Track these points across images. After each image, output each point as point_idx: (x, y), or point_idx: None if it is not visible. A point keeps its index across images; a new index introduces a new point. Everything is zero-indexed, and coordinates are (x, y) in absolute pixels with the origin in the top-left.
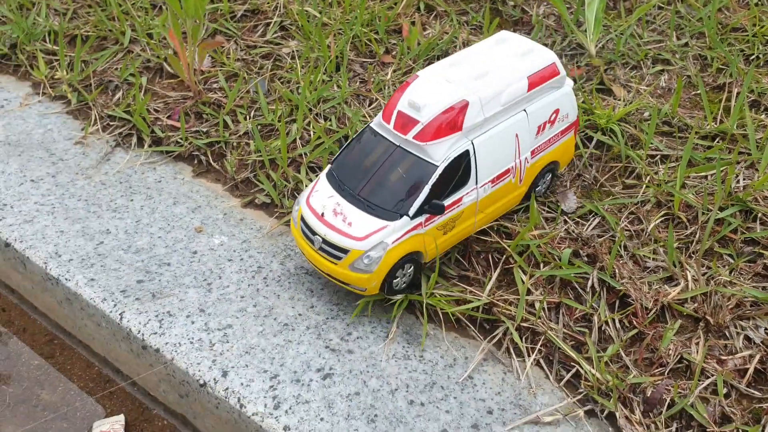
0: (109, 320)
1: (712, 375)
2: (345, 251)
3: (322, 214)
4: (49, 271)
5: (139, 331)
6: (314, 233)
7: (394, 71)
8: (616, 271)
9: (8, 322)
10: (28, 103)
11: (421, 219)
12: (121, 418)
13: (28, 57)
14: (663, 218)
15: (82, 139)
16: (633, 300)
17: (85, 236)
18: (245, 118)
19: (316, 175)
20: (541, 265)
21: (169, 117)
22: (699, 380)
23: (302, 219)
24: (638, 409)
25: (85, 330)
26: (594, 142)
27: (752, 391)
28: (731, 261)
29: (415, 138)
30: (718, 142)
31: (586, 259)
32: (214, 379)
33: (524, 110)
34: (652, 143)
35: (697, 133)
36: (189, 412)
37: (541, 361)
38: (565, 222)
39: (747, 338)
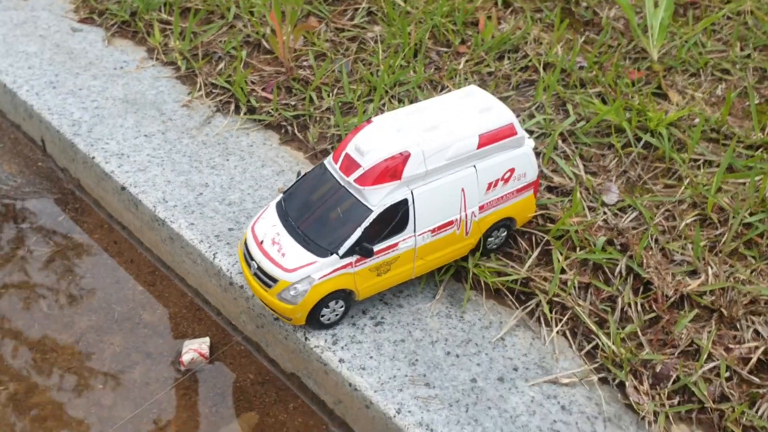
0: (204, 258)
1: (717, 360)
2: (275, 280)
3: (262, 242)
4: (158, 213)
5: (228, 270)
6: (252, 258)
7: (467, 61)
8: (644, 260)
9: (119, 253)
10: (143, 67)
11: (351, 259)
12: (207, 339)
13: (146, 25)
14: (695, 218)
15: (188, 102)
16: (655, 287)
17: (188, 187)
18: (329, 95)
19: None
20: (577, 249)
21: (263, 89)
22: (704, 362)
23: (245, 243)
24: (646, 382)
25: (182, 265)
26: (642, 143)
27: (753, 377)
28: (753, 262)
29: (355, 181)
30: (761, 152)
31: (618, 247)
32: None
33: (474, 166)
34: (696, 148)
35: (741, 141)
36: (263, 341)
37: (567, 332)
38: (605, 213)
39: (756, 332)
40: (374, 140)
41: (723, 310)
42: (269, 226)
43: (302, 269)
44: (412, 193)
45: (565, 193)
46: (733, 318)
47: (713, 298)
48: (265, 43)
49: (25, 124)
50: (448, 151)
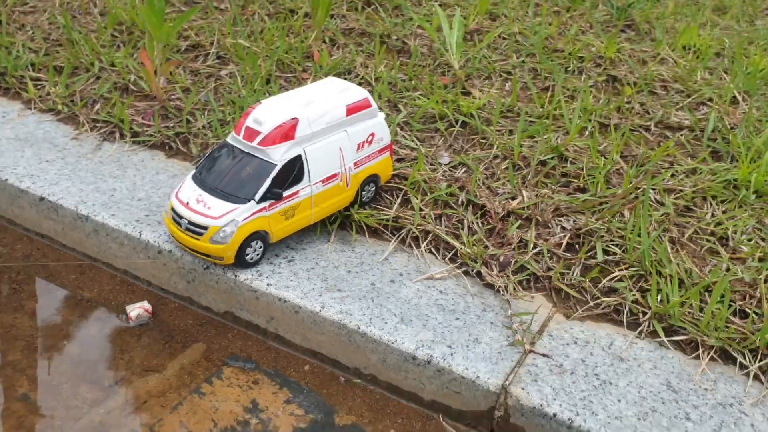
0: (130, 238)
1: (540, 247)
2: (205, 228)
3: (187, 203)
4: (80, 211)
5: (155, 241)
6: (181, 217)
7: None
8: (477, 194)
9: (44, 256)
10: (24, 115)
11: (265, 204)
12: (145, 302)
13: (17, 82)
14: (506, 165)
15: (77, 135)
16: (489, 209)
17: (99, 191)
18: (201, 116)
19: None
20: (427, 194)
21: (143, 118)
22: (531, 249)
23: (172, 208)
24: (495, 268)
25: (109, 252)
26: (459, 123)
27: (565, 254)
28: (551, 185)
29: (259, 144)
30: (542, 119)
31: (457, 189)
32: (214, 264)
33: (345, 131)
34: (498, 122)
35: (529, 115)
36: (194, 293)
37: (432, 249)
38: (443, 170)
39: (562, 227)
40: (268, 113)
41: (537, 217)
42: (191, 191)
43: (227, 215)
44: (304, 150)
45: (410, 161)
46: (545, 221)
47: (529, 212)
48: (132, 86)
49: None
50: (326, 117)
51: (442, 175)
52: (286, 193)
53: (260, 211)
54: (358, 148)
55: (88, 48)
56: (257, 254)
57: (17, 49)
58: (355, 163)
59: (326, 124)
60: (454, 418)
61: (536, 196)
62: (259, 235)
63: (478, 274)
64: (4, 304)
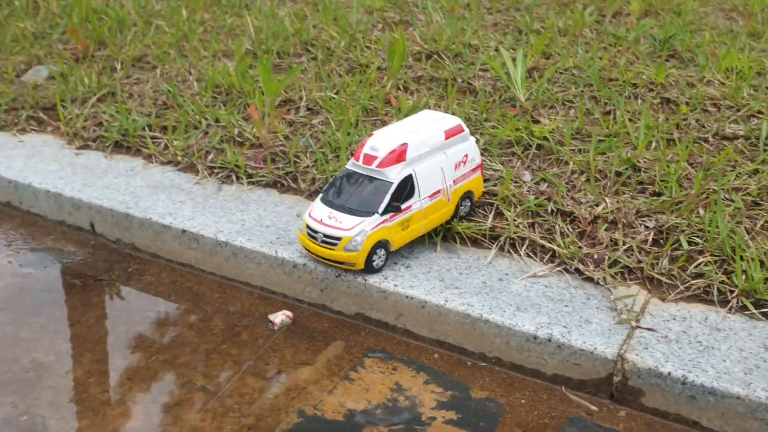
0: (267, 257)
1: (629, 244)
2: (339, 239)
3: (321, 220)
4: (219, 238)
5: (290, 257)
6: (316, 232)
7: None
8: (563, 203)
9: (187, 281)
10: (148, 168)
11: (387, 216)
12: (286, 310)
13: (137, 142)
14: (585, 178)
15: (198, 181)
16: (577, 215)
17: (230, 222)
18: (305, 157)
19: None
20: (518, 206)
21: (255, 162)
22: (621, 246)
23: (307, 226)
24: (591, 264)
25: (246, 272)
26: (535, 146)
27: (653, 248)
28: (630, 193)
29: (377, 167)
30: (611, 138)
31: (544, 200)
32: (346, 271)
33: (445, 153)
34: (570, 142)
35: (598, 135)
36: (327, 300)
37: (530, 253)
38: (527, 186)
39: (645, 226)
40: (382, 141)
41: (622, 220)
42: (322, 210)
43: (357, 226)
44: (414, 170)
45: (495, 180)
46: (629, 222)
47: (613, 216)
48: (237, 137)
49: (71, 217)
50: (429, 141)
51: (528, 190)
52: (403, 207)
53: (383, 222)
54: (455, 168)
55: (195, 108)
56: (382, 260)
57: (133, 114)
58: (453, 181)
59: (429, 147)
60: (575, 388)
61: (617, 201)
62: (382, 244)
63: (577, 270)
64: (165, 321)
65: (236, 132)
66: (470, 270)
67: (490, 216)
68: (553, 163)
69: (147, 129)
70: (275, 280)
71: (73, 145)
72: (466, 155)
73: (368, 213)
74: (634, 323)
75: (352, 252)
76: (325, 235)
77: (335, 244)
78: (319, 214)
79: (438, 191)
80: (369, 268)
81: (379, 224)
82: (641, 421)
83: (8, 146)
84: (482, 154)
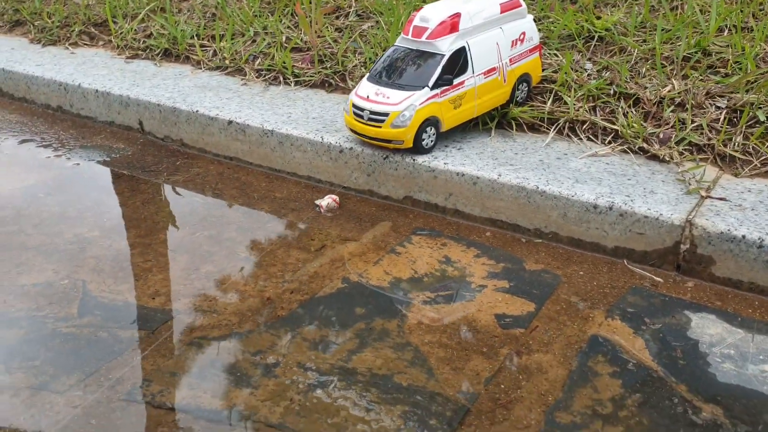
0: (313, 143)
1: (698, 122)
2: (386, 115)
3: (367, 97)
4: (265, 128)
5: (336, 142)
6: (363, 110)
7: None
8: (627, 86)
9: (235, 173)
10: (196, 72)
11: (437, 91)
12: (333, 195)
13: (186, 49)
14: (651, 62)
15: (245, 82)
16: (641, 97)
17: (276, 115)
18: (354, 57)
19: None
20: (577, 91)
21: (302, 63)
22: (690, 125)
23: (353, 105)
24: (656, 144)
25: (292, 161)
26: (596, 38)
27: (725, 127)
28: (698, 75)
29: (428, 38)
30: (680, 26)
31: (606, 85)
32: (394, 151)
33: (500, 28)
34: (635, 33)
35: (663, 27)
36: (374, 184)
37: (590, 136)
38: (588, 74)
39: (716, 106)
40: (433, 11)
41: (691, 101)
42: (368, 87)
43: (405, 100)
44: (467, 43)
45: (555, 69)
46: (699, 103)
47: (681, 97)
48: (284, 44)
49: (119, 116)
50: (483, 12)
51: (588, 77)
52: (454, 82)
53: (433, 97)
54: (512, 45)
55: (243, 18)
56: (432, 140)
57: (181, 24)
58: (510, 60)
59: (484, 20)
60: (638, 261)
61: (685, 84)
62: (432, 122)
63: (641, 149)
64: (211, 204)
65: (284, 38)
66: (526, 151)
67: (549, 101)
68: (616, 53)
69: (195, 38)
70: (321, 167)
71: (123, 55)
72: (524, 33)
73: (418, 87)
74: (704, 193)
75: (401, 128)
76: (372, 112)
77: (383, 121)
78: (366, 91)
79: (493, 69)
80: (418, 147)
81: (429, 98)
82: (711, 291)
83: (60, 57)
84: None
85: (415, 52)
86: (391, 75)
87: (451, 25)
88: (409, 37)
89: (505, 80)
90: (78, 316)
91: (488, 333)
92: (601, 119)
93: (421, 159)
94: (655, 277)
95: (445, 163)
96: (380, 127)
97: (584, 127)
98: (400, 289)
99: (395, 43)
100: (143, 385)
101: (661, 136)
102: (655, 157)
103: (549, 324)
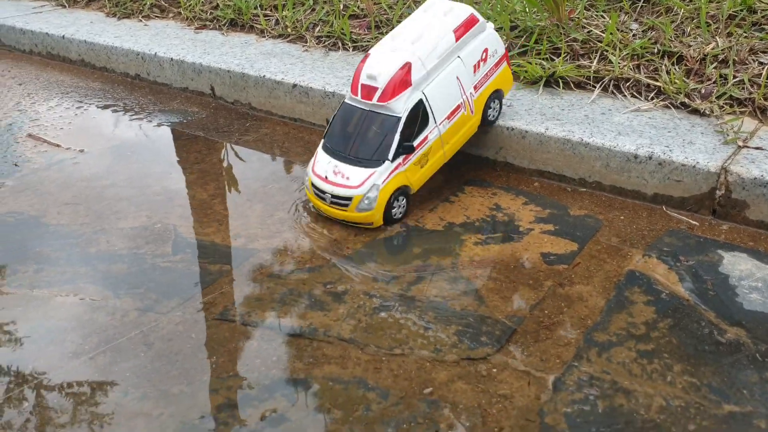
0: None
1: (741, 77)
2: (349, 199)
3: (326, 177)
4: (327, 89)
5: None
6: (323, 192)
7: None
8: (671, 45)
9: (297, 133)
10: (261, 41)
11: (399, 160)
12: None
13: (250, 19)
14: (695, 24)
15: (307, 49)
16: (684, 55)
17: (337, 78)
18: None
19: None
20: (623, 50)
21: (359, 29)
22: (732, 80)
23: (312, 184)
24: (698, 99)
25: None
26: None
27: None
28: (744, 33)
29: (378, 101)
30: None
31: (650, 44)
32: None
33: (458, 57)
34: None
35: None
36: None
37: (634, 93)
38: (633, 33)
39: (759, 62)
40: (379, 65)
41: (734, 57)
42: (325, 164)
43: (367, 181)
44: (423, 93)
45: (601, 30)
46: (741, 59)
47: (724, 54)
48: (342, 12)
49: (192, 83)
50: (437, 50)
51: (634, 36)
52: (416, 143)
53: (396, 168)
54: (474, 70)
55: None
56: (402, 208)
57: None
58: (474, 87)
59: (438, 58)
60: (676, 206)
61: (729, 41)
62: (400, 191)
63: (682, 104)
64: (279, 160)
65: (341, 6)
66: (572, 107)
67: (595, 60)
68: (662, 13)
69: (259, 8)
70: None
71: (192, 26)
72: (486, 50)
73: (377, 162)
74: (741, 143)
75: (366, 211)
76: (334, 195)
77: (346, 205)
78: (323, 169)
79: (457, 107)
80: (388, 220)
81: (391, 173)
82: (745, 233)
83: (135, 29)
84: (588, 9)
85: (368, 113)
86: (347, 145)
87: (402, 81)
88: (359, 98)
89: (472, 111)
90: (172, 253)
91: (534, 268)
92: (645, 77)
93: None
94: (691, 221)
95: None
96: (345, 210)
97: (628, 84)
98: (454, 231)
99: (345, 100)
100: (232, 308)
101: (703, 91)
102: (695, 112)
103: (590, 261)
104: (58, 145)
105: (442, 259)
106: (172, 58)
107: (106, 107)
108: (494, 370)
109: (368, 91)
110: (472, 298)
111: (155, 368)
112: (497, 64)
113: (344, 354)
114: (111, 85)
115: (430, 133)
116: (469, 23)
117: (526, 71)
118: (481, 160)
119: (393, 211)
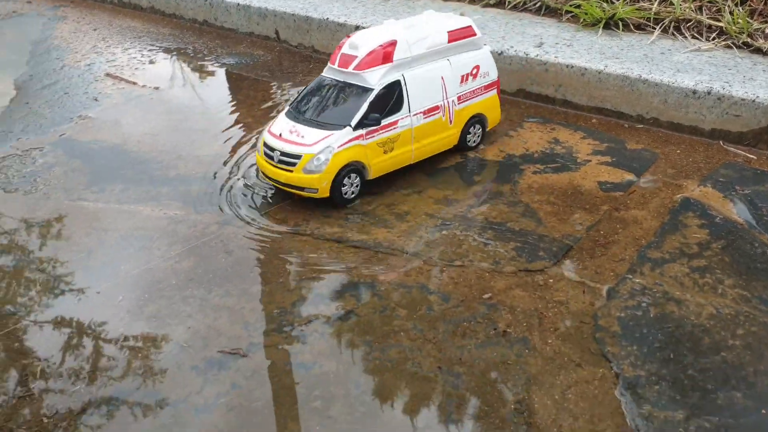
0: None
1: None
2: (298, 157)
3: (280, 135)
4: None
5: None
6: (273, 150)
7: None
8: None
9: None
10: None
11: (362, 131)
12: None
13: None
14: None
15: None
16: None
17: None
18: None
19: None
20: None
21: None
22: None
23: (264, 143)
24: (760, 38)
25: None
26: None
27: None
28: None
29: (355, 69)
30: None
31: None
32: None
33: (448, 59)
34: None
35: None
36: None
37: (695, 34)
38: None
39: None
40: (365, 37)
41: None
42: (283, 124)
43: (322, 141)
44: (403, 76)
45: None
46: None
47: None
48: None
49: (258, 27)
50: (427, 40)
51: None
52: (384, 122)
53: (357, 138)
54: (462, 81)
55: None
56: (354, 189)
57: None
58: (458, 97)
59: (427, 49)
60: (733, 141)
61: None
62: (355, 168)
63: (745, 44)
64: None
65: None
66: (632, 47)
67: (656, 2)
68: None
69: None
70: None
71: None
72: (477, 67)
73: (338, 126)
74: None
75: (314, 173)
76: (283, 153)
77: (294, 164)
78: (279, 128)
79: (436, 107)
80: (337, 197)
81: (350, 140)
82: None
83: None
84: None
85: (341, 84)
86: (311, 111)
87: (384, 54)
88: (336, 66)
89: (451, 121)
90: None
91: (591, 194)
92: (707, 17)
93: (534, 53)
94: (748, 155)
95: (555, 57)
96: (291, 171)
97: (689, 25)
98: (513, 162)
99: (322, 73)
100: (303, 223)
101: (767, 30)
102: (758, 51)
103: (645, 189)
104: (134, 83)
105: (500, 186)
106: (238, 3)
107: (177, 50)
108: (551, 280)
109: (346, 60)
110: (530, 219)
111: (236, 272)
112: (487, 87)
113: (407, 264)
114: (180, 31)
115: (402, 119)
116: (466, 33)
117: (586, 13)
118: (541, 98)
119: (344, 189)
